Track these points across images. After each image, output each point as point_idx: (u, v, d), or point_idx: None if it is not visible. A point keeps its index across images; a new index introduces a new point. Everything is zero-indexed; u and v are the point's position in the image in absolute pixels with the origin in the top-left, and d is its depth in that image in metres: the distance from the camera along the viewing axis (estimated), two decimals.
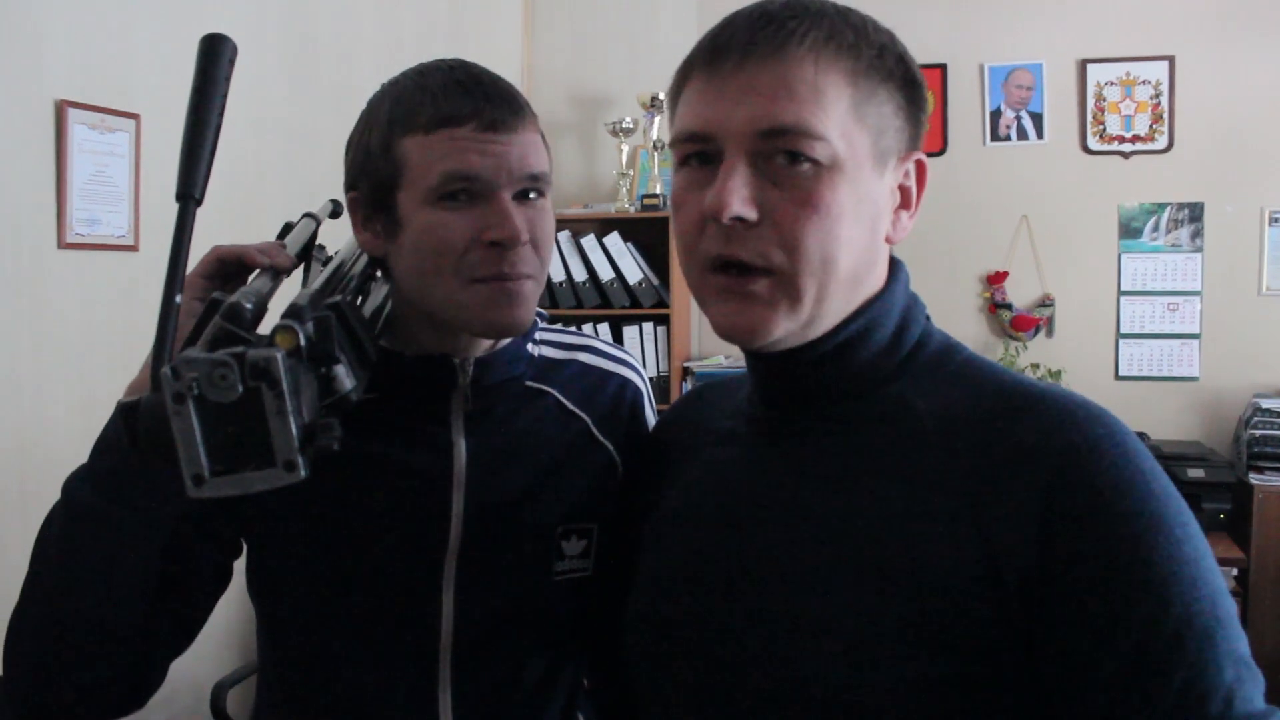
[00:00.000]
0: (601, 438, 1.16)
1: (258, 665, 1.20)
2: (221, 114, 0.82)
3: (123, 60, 2.42)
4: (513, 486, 1.09)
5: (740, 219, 0.82)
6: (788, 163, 0.83)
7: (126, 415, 0.72)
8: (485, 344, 1.11)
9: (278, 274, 0.97)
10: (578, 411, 1.16)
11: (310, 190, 1.21)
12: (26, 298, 2.23)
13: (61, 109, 2.25)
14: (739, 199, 0.82)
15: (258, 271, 0.97)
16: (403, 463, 1.07)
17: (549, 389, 1.15)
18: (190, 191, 0.78)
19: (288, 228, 1.12)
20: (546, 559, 1.10)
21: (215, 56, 0.83)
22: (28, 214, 2.22)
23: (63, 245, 2.28)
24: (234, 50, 0.84)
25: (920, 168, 0.91)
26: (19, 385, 2.22)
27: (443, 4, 3.78)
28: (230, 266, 0.98)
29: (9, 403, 2.21)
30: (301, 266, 1.08)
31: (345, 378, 0.79)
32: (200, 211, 0.79)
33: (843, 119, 0.83)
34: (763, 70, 0.83)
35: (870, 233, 0.87)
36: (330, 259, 1.12)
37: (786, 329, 0.86)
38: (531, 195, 1.03)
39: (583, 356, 1.20)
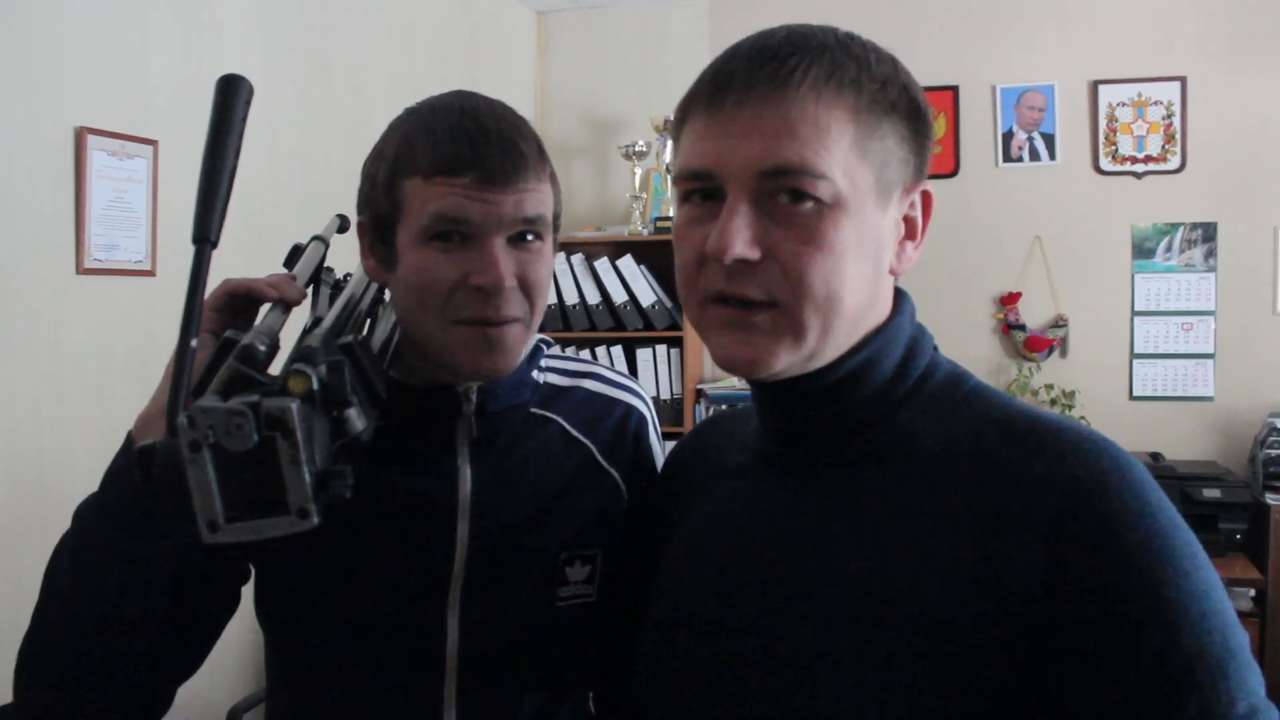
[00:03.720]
0: (606, 464, 1.17)
1: (266, 688, 1.21)
2: (238, 155, 0.82)
3: (141, 87, 2.45)
4: (517, 512, 1.10)
5: (743, 260, 0.82)
6: (790, 201, 0.82)
7: (142, 458, 0.73)
8: None
9: (288, 306, 0.97)
10: (582, 438, 1.16)
11: (324, 219, 1.22)
12: (45, 322, 2.26)
13: (81, 135, 2.29)
14: (741, 240, 0.81)
15: (269, 305, 0.98)
16: (409, 489, 1.08)
17: (554, 416, 1.16)
18: (206, 235, 0.78)
19: (296, 251, 1.11)
20: (551, 584, 1.11)
21: (231, 98, 0.82)
22: (47, 239, 2.25)
23: (81, 270, 2.31)
24: (250, 91, 0.84)
25: (926, 199, 0.90)
26: (38, 408, 2.25)
27: (457, 30, 3.82)
28: (240, 300, 0.98)
29: (28, 426, 2.23)
30: (310, 289, 1.07)
31: (357, 419, 0.79)
32: None
33: (845, 156, 0.82)
34: (764, 109, 0.81)
35: (874, 267, 0.86)
36: (339, 283, 1.12)
37: (788, 361, 0.86)
38: (529, 238, 1.03)
39: (587, 384, 1.21)
